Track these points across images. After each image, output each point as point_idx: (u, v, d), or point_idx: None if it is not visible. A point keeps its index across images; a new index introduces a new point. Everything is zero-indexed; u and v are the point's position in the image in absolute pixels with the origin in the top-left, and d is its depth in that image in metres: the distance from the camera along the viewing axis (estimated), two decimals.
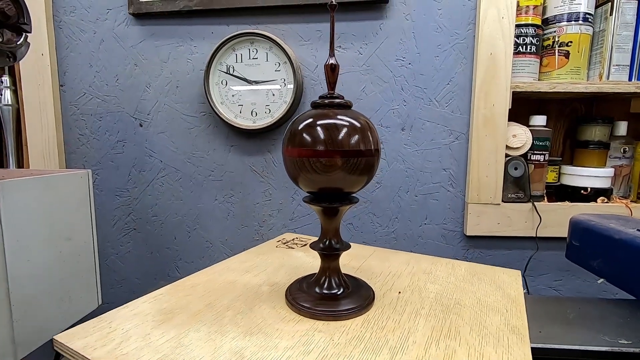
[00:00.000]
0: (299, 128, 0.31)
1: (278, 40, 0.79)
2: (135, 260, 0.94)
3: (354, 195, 0.34)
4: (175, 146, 0.89)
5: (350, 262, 0.50)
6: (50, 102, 0.88)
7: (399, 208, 0.85)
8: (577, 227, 0.56)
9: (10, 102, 0.86)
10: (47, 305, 0.59)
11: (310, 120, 0.30)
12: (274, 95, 0.82)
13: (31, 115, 0.88)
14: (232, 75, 0.83)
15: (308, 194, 0.34)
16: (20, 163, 0.92)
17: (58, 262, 0.61)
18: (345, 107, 0.32)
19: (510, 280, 0.44)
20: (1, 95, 0.86)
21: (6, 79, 0.86)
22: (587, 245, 0.54)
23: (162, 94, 0.88)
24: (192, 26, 0.85)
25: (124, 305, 0.38)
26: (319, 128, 0.30)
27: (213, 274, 0.45)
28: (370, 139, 0.30)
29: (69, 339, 0.31)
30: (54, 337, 0.32)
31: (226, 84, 0.83)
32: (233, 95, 0.83)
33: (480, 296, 0.39)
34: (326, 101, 0.31)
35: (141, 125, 0.89)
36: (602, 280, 0.52)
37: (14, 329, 0.51)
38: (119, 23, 0.86)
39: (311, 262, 0.50)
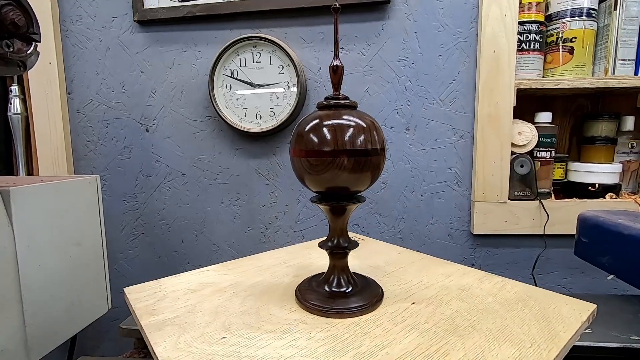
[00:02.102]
0: (306, 129, 0.31)
1: (281, 43, 0.80)
2: (144, 264, 0.94)
3: (360, 194, 0.34)
4: (181, 151, 0.90)
5: (387, 266, 0.48)
6: (58, 109, 0.89)
7: (404, 208, 0.85)
8: (586, 224, 0.56)
9: (19, 111, 0.88)
10: (58, 309, 0.59)
11: (317, 121, 0.31)
12: (277, 98, 0.83)
13: (40, 123, 0.90)
14: (236, 79, 0.84)
15: (315, 194, 0.34)
16: (30, 170, 0.93)
17: (68, 266, 0.62)
18: (351, 107, 0.32)
19: (569, 314, 0.35)
20: (11, 104, 0.87)
21: (15, 88, 0.88)
22: (596, 242, 0.54)
23: (168, 99, 0.89)
24: (196, 32, 0.86)
25: (178, 274, 0.46)
26: (325, 129, 0.30)
27: (257, 260, 0.51)
28: (376, 138, 0.31)
29: (131, 291, 0.41)
30: (125, 288, 0.42)
31: (230, 88, 0.84)
32: (237, 99, 0.84)
33: (508, 324, 0.33)
34: (332, 102, 0.32)
35: (147, 131, 0.90)
36: (612, 276, 0.51)
37: (26, 333, 0.52)
38: (124, 30, 0.88)
39: (350, 262, 0.49)
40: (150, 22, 0.86)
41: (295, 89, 0.81)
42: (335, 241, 0.35)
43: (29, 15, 0.36)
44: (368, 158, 0.30)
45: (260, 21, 0.83)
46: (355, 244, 0.35)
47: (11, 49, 0.35)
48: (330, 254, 0.36)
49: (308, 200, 0.87)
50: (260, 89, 0.83)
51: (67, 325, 0.61)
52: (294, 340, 0.31)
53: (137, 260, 0.94)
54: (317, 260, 0.51)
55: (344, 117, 0.30)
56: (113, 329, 0.97)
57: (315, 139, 0.30)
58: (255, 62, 0.83)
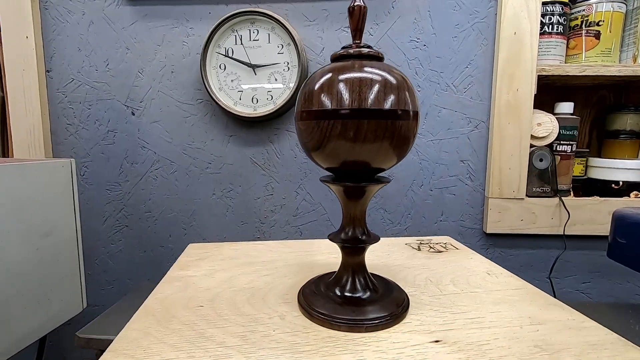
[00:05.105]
0: (316, 87, 0.24)
1: (281, 19, 0.73)
2: (127, 259, 0.87)
3: (384, 174, 0.27)
4: (170, 136, 0.82)
5: (449, 286, 0.36)
6: (35, 88, 0.81)
7: (412, 203, 0.78)
8: (623, 223, 0.50)
9: None
10: (24, 309, 0.52)
11: (330, 75, 0.24)
12: (276, 80, 0.76)
13: (15, 103, 0.82)
14: (231, 58, 0.76)
15: (328, 173, 0.27)
16: (5, 154, 0.85)
17: (35, 260, 0.54)
18: (375, 58, 0.25)
19: None
20: None
21: None
22: (637, 243, 0.47)
23: (156, 80, 0.81)
24: (188, 6, 0.78)
25: (238, 242, 0.51)
26: (341, 84, 0.23)
27: (311, 244, 0.50)
28: (408, 98, 0.24)
29: (191, 247, 0.49)
30: (190, 244, 0.49)
31: (225, 69, 0.77)
32: (232, 81, 0.77)
33: None
34: (350, 51, 0.24)
35: (133, 114, 0.82)
36: None
37: None
38: (109, 3, 0.80)
39: (407, 267, 0.43)
40: None
41: (295, 70, 0.74)
42: (349, 232, 0.27)
43: None
44: (397, 123, 0.23)
45: None
46: (375, 238, 0.27)
47: None
48: (344, 249, 0.28)
49: (307, 194, 0.80)
50: (257, 69, 0.76)
51: (34, 326, 0.54)
52: (262, 324, 0.28)
53: (121, 255, 0.87)
54: (379, 258, 0.45)
55: (366, 69, 0.23)
56: None
57: (328, 99, 0.23)
58: (253, 40, 0.75)
